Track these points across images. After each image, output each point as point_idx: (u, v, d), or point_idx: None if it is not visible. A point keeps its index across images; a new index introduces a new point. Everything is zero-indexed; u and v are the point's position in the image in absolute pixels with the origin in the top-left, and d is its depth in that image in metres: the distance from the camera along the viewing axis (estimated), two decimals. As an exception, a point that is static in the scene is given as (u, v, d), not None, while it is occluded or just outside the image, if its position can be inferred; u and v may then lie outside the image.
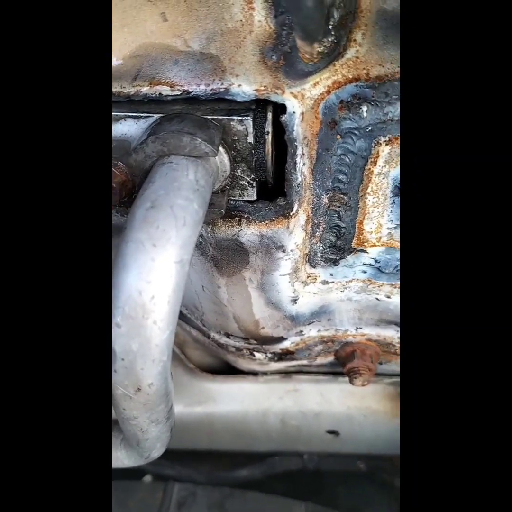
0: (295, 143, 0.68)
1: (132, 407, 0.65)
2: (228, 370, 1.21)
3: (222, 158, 0.70)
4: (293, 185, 0.72)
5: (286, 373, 1.15)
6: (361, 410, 1.16)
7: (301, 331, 0.98)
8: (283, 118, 0.66)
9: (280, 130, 0.69)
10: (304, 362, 1.07)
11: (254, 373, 1.16)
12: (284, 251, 0.79)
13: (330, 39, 0.59)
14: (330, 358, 1.07)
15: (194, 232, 0.62)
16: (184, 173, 0.64)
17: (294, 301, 0.89)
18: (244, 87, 0.64)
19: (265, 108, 0.68)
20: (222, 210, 0.72)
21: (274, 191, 0.77)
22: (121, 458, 0.89)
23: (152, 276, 0.57)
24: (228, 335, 1.03)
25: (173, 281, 0.58)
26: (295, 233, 0.77)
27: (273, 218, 0.76)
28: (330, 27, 0.58)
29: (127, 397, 0.63)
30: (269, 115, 0.68)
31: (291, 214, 0.75)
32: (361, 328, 0.99)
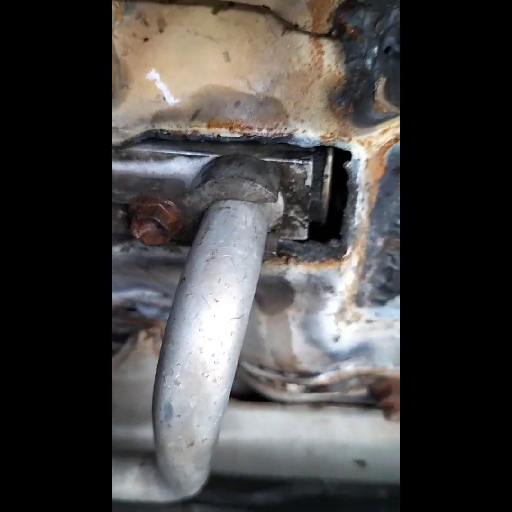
0: (357, 190, 0.66)
1: (181, 459, 0.63)
2: (252, 396, 1.19)
3: (278, 200, 0.68)
4: (350, 229, 0.70)
5: (315, 403, 1.13)
6: (391, 443, 1.14)
7: (338, 366, 0.96)
8: (348, 165, 0.63)
9: (338, 172, 0.67)
10: (336, 394, 1.05)
11: (282, 402, 1.14)
12: (332, 292, 0.77)
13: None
14: (363, 391, 1.05)
15: (253, 284, 0.60)
16: (242, 219, 0.61)
17: (336, 339, 0.87)
18: (309, 133, 0.61)
19: (325, 152, 0.66)
20: (273, 252, 0.70)
21: (325, 230, 0.75)
22: (153, 493, 0.88)
23: (214, 333, 0.55)
24: (261, 367, 1.01)
25: (234, 338, 0.56)
26: (345, 275, 0.75)
27: (324, 259, 0.74)
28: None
29: (178, 450, 0.61)
30: (329, 159, 0.66)
31: (343, 256, 0.72)
32: (399, 364, 0.97)
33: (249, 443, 1.20)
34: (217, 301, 0.55)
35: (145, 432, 1.28)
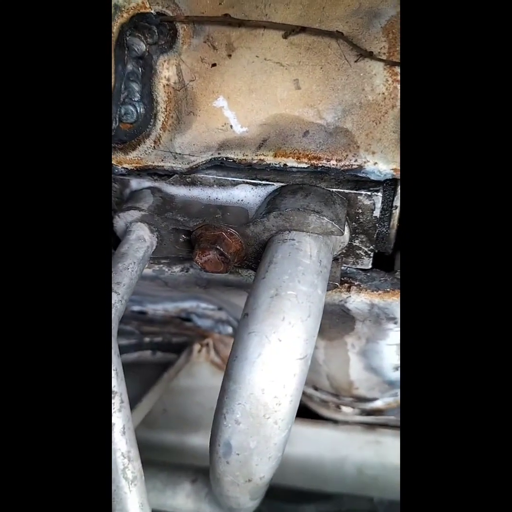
0: (428, 223, 0.62)
1: (238, 491, 0.62)
2: (304, 411, 1.18)
3: (343, 230, 0.65)
4: (417, 261, 0.66)
5: (368, 424, 1.11)
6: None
7: (397, 393, 0.93)
8: (419, 198, 0.60)
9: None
10: (392, 417, 1.02)
11: (334, 420, 1.12)
12: (395, 323, 0.74)
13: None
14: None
15: (317, 322, 0.58)
16: (307, 253, 0.59)
17: (397, 368, 0.84)
18: (381, 166, 0.59)
19: (396, 182, 0.63)
20: (336, 283, 0.68)
21: (390, 259, 0.72)
22: (204, 511, 0.88)
23: (277, 374, 0.53)
24: (315, 388, 0.99)
25: (297, 380, 0.54)
26: (410, 307, 0.72)
27: (388, 289, 0.71)
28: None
29: (235, 484, 0.60)
30: (400, 190, 0.63)
31: (409, 288, 0.69)
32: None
33: (300, 458, 1.18)
34: (280, 340, 0.54)
35: (195, 440, 1.29)
